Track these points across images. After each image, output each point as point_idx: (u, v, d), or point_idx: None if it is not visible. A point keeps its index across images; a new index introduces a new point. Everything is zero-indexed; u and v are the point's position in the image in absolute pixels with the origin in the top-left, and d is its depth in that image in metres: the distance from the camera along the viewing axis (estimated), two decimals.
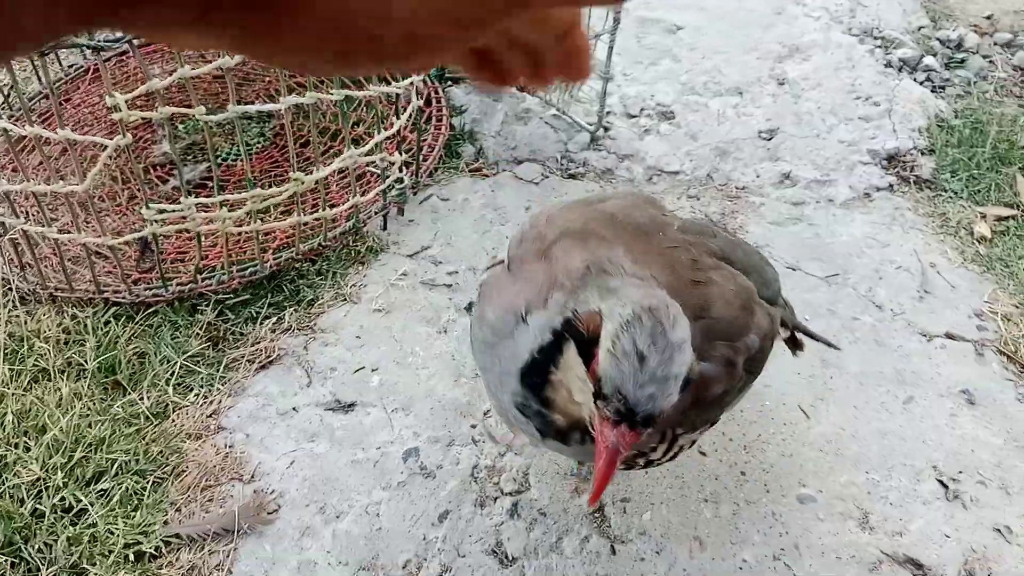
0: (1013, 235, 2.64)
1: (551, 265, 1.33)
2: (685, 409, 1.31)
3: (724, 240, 1.63)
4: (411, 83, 2.24)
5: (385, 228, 2.49)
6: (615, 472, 1.11)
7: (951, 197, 2.76)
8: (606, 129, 2.87)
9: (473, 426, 2.03)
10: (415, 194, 2.59)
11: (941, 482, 1.99)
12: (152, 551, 1.76)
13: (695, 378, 1.16)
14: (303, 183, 2.12)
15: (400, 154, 2.36)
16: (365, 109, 2.76)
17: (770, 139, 2.90)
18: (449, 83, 2.94)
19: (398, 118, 2.28)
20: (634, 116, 2.93)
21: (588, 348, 1.11)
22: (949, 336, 2.32)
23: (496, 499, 1.90)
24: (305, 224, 2.31)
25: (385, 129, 2.30)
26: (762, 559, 1.82)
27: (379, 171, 2.39)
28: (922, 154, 2.89)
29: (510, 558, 1.80)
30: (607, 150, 2.80)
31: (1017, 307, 2.43)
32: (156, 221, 2.10)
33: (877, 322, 2.33)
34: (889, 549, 1.84)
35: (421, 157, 2.60)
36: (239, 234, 2.28)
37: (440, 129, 2.71)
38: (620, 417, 1.06)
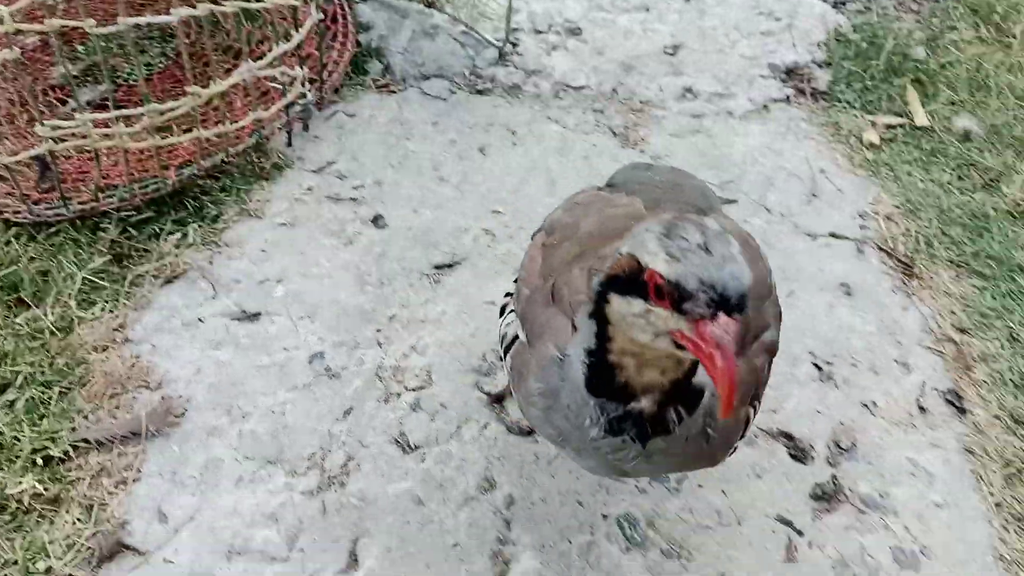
0: (900, 142, 2.81)
1: (560, 301, 1.34)
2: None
3: (668, 180, 1.72)
4: None
5: (290, 144, 2.54)
6: (737, 371, 0.98)
7: (844, 107, 2.91)
8: (514, 45, 2.93)
9: (378, 330, 2.12)
10: (320, 110, 2.63)
11: (816, 366, 2.16)
12: (60, 455, 1.83)
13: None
14: (200, 97, 2.15)
15: (302, 69, 2.40)
16: (271, 28, 2.77)
17: (674, 54, 3.00)
18: (356, 0, 2.95)
19: (298, 32, 2.31)
20: (542, 32, 3.00)
21: (631, 287, 1.06)
22: (833, 235, 2.49)
23: (400, 395, 2.01)
24: (207, 141, 2.34)
25: (285, 43, 2.33)
26: None
27: (281, 86, 2.42)
28: (819, 67, 3.02)
29: (412, 446, 1.92)
30: (515, 66, 2.87)
31: (898, 207, 2.60)
32: (52, 139, 2.11)
33: (766, 224, 2.48)
34: (765, 425, 2.01)
35: (326, 73, 2.63)
36: (140, 152, 2.30)
37: (345, 45, 2.74)
38: (715, 306, 0.98)
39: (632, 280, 1.05)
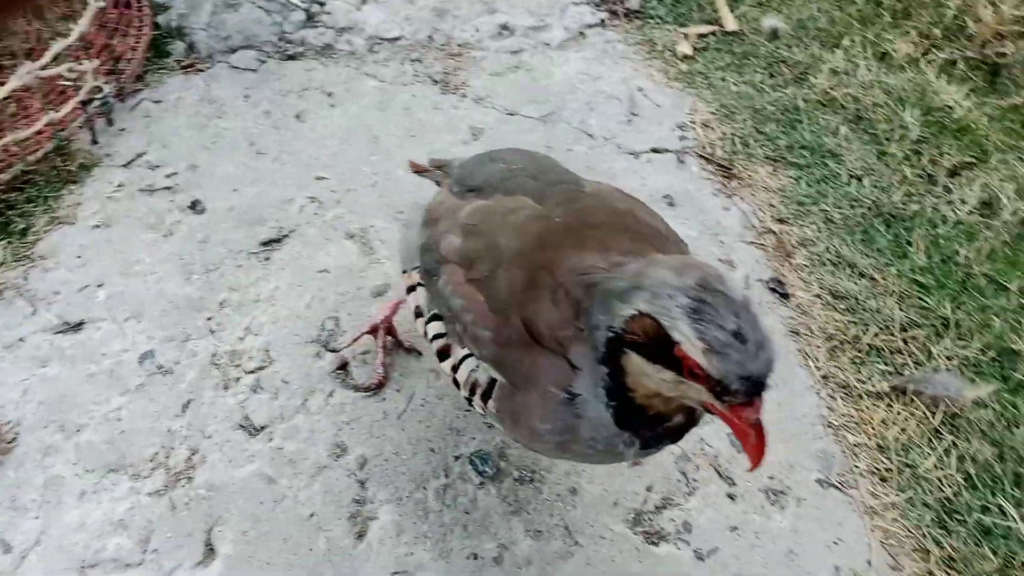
0: (712, 49, 2.91)
1: (543, 339, 1.28)
2: None
3: (527, 166, 1.62)
4: None
5: (95, 141, 2.44)
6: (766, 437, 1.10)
7: (657, 23, 2.98)
8: (321, 4, 2.88)
9: (209, 318, 2.10)
10: (123, 101, 2.53)
11: None
12: None
13: None
14: None
15: (91, 62, 2.30)
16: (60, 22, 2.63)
17: None
18: None
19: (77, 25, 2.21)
20: None
21: (657, 355, 1.10)
22: (655, 150, 2.57)
23: (239, 379, 2.00)
24: (4, 151, 2.23)
25: (64, 38, 2.23)
26: None
27: (72, 83, 2.32)
28: None
29: (257, 427, 1.92)
30: (324, 25, 2.82)
31: (714, 114, 2.70)
32: None
33: (589, 149, 2.54)
34: None
35: (124, 62, 2.53)
36: None
37: (142, 30, 2.63)
38: (750, 394, 1.05)
39: (657, 347, 1.09)
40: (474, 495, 1.84)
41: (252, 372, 2.01)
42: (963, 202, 2.57)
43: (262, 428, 1.92)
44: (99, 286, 2.15)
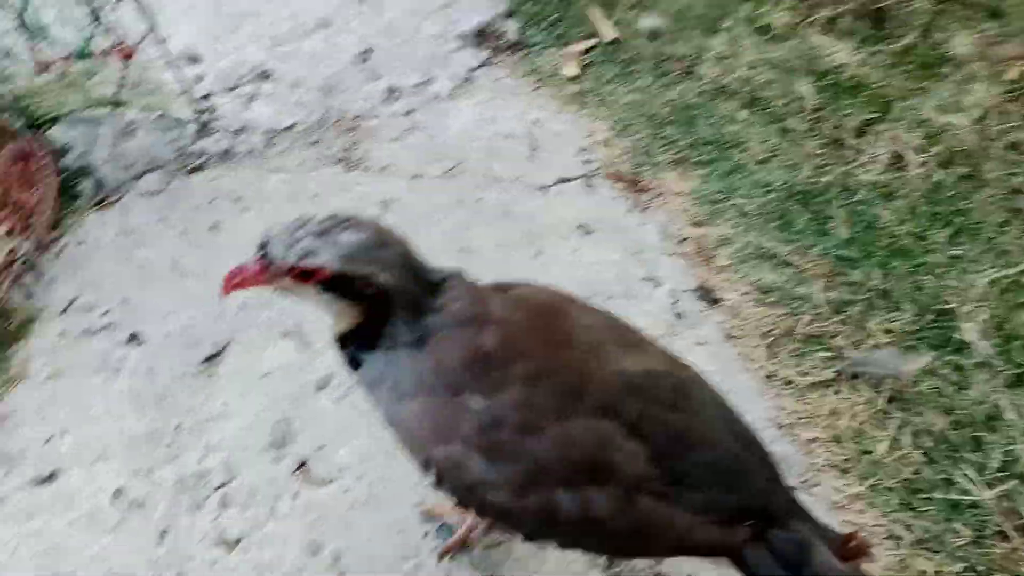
0: (597, 64, 3.12)
1: None
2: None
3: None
4: None
5: (30, 297, 2.65)
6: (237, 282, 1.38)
7: (539, 49, 3.19)
8: (211, 112, 3.08)
9: (168, 445, 2.30)
10: (46, 251, 2.74)
11: None
12: None
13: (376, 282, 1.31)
14: None
15: (0, 226, 2.51)
16: None
17: (367, 60, 3.21)
18: (47, 126, 3.04)
19: None
20: (235, 87, 3.16)
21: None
22: (562, 180, 2.78)
23: (207, 497, 2.20)
24: None
25: None
26: None
27: None
28: (506, 18, 3.29)
29: (234, 541, 2.12)
30: (220, 130, 3.03)
31: (611, 129, 2.91)
32: None
33: (500, 194, 2.75)
34: None
35: (36, 215, 2.74)
36: None
37: (47, 178, 2.84)
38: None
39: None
40: (448, 569, 2.02)
41: (219, 488, 2.21)
42: (874, 161, 2.72)
43: (238, 541, 2.12)
44: (63, 435, 2.35)
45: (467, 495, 1.44)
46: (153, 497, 2.21)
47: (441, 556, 2.03)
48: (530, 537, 1.54)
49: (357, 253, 1.28)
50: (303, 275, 1.30)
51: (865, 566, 1.50)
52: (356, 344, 1.42)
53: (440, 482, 1.45)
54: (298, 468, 2.23)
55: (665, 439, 1.40)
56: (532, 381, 1.36)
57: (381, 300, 1.33)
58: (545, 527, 1.44)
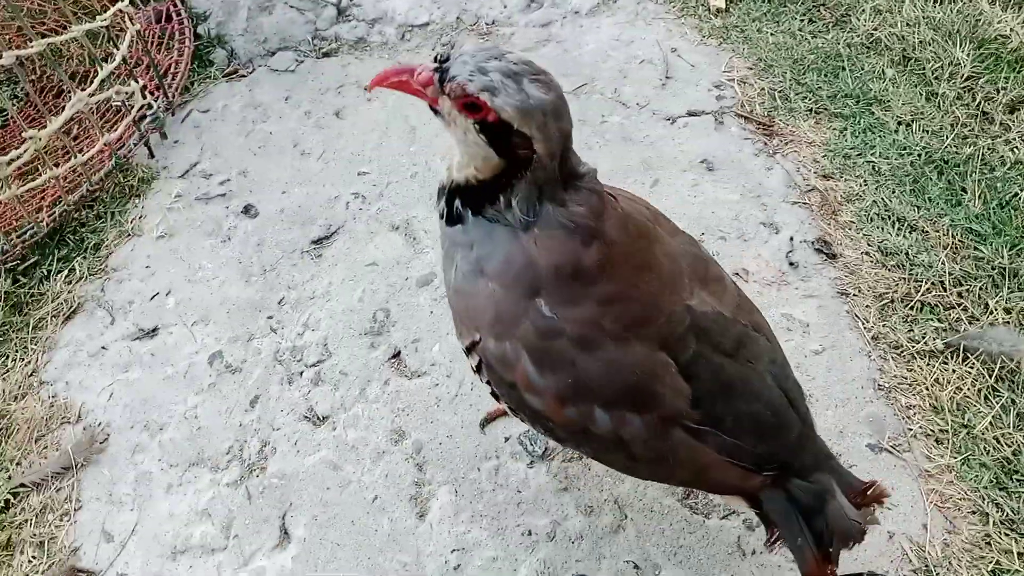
0: (746, 0, 2.95)
1: None
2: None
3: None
4: (119, 9, 2.39)
5: (152, 156, 2.69)
6: (396, 80, 1.24)
7: None
8: None
9: (270, 317, 2.33)
10: (173, 114, 2.77)
11: None
12: (2, 504, 2.07)
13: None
14: (40, 140, 2.30)
15: (136, 81, 2.53)
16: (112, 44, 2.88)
17: None
18: None
19: (118, 49, 2.44)
20: None
21: None
22: (691, 113, 2.66)
23: (302, 373, 2.23)
24: (73, 172, 2.50)
25: (108, 63, 2.46)
26: None
27: (124, 104, 2.56)
28: None
29: (321, 418, 2.14)
30: (356, 19, 2.99)
31: (751, 69, 2.76)
32: None
33: (624, 119, 2.65)
34: None
35: (169, 77, 2.76)
36: (3, 204, 2.47)
37: (184, 43, 2.86)
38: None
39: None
40: (525, 474, 2.01)
41: (313, 366, 2.24)
42: (1022, 140, 2.57)
43: (325, 418, 2.14)
44: (168, 294, 2.40)
45: (507, 391, 1.42)
46: (248, 365, 2.25)
47: (483, 423, 2.09)
48: (561, 440, 1.54)
49: (534, 111, 1.17)
50: (471, 106, 1.18)
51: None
52: (465, 200, 1.33)
53: (480, 370, 1.44)
54: (392, 357, 2.23)
55: (713, 384, 1.38)
56: (605, 303, 1.32)
57: (522, 166, 1.24)
58: (576, 437, 1.45)
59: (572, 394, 1.36)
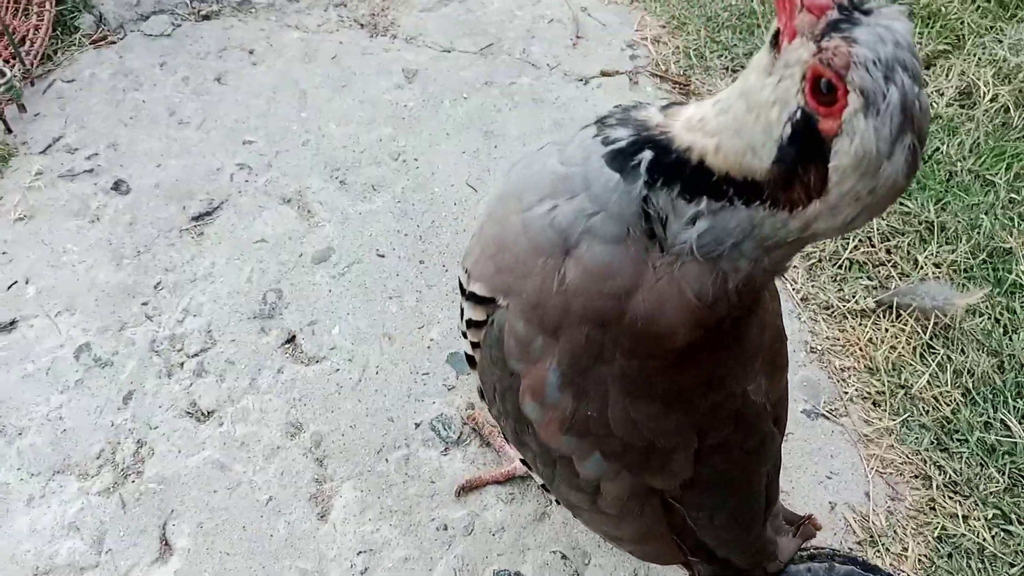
0: None
1: None
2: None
3: None
4: None
5: (9, 131, 2.34)
6: None
7: None
8: None
9: (145, 303, 2.03)
10: (32, 84, 2.43)
11: None
12: None
13: None
14: None
15: None
16: None
17: None
18: None
19: None
20: None
21: None
22: (604, 74, 2.46)
23: (182, 364, 1.94)
24: None
25: None
26: (447, 333, 1.97)
27: None
28: None
29: (205, 413, 1.87)
30: None
31: (664, 27, 2.59)
32: None
33: (534, 80, 2.44)
34: None
35: (28, 43, 2.41)
36: None
37: (43, 7, 2.51)
38: None
39: None
40: (439, 463, 1.79)
41: (195, 355, 1.95)
42: (940, 94, 2.47)
43: (210, 413, 1.87)
44: (27, 281, 2.07)
45: (500, 376, 1.10)
46: (121, 356, 1.95)
47: (458, 492, 1.76)
48: (524, 448, 1.22)
49: (879, 172, 0.72)
50: (825, 89, 0.72)
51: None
52: (655, 162, 0.87)
53: (470, 326, 1.12)
54: (286, 342, 1.97)
55: (718, 476, 1.14)
56: (673, 364, 0.98)
57: (788, 199, 0.79)
58: (551, 463, 1.16)
59: (585, 428, 1.05)
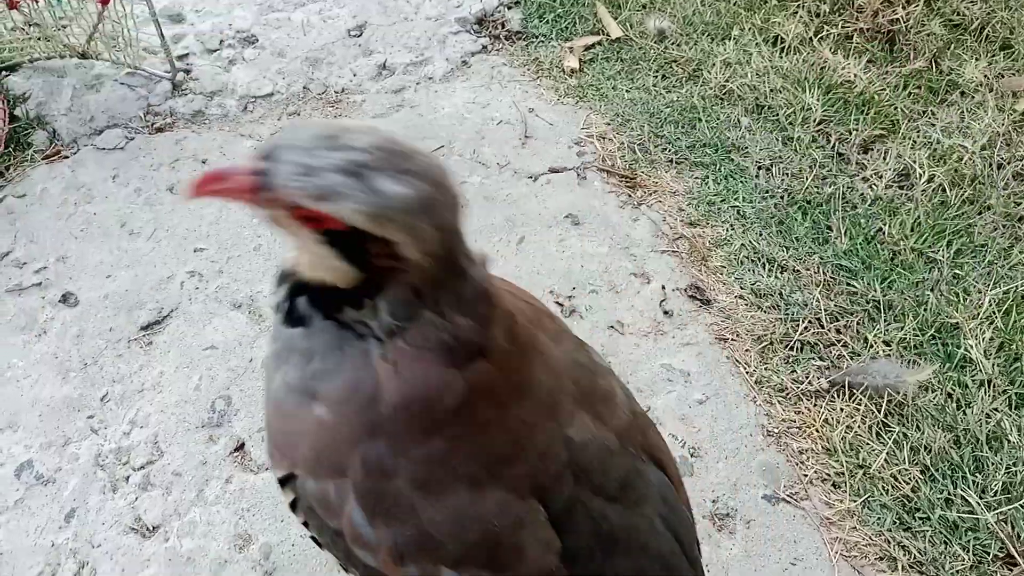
0: (600, 59, 2.89)
1: None
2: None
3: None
4: None
5: None
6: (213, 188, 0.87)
7: (542, 41, 2.96)
8: (187, 72, 2.81)
9: (90, 416, 1.98)
10: None
11: (559, 303, 2.19)
12: None
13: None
14: None
15: None
16: None
17: (360, 35, 2.96)
18: (5, 73, 2.75)
19: None
20: (215, 50, 2.89)
21: None
22: (553, 170, 2.52)
23: (128, 477, 1.88)
24: None
25: None
26: None
27: None
28: (508, 8, 3.06)
29: (151, 528, 1.80)
30: (193, 92, 2.75)
31: (609, 124, 2.67)
32: None
33: (485, 179, 2.49)
34: None
35: None
36: None
37: None
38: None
39: None
40: None
41: (141, 468, 1.90)
42: (879, 177, 2.55)
43: (156, 528, 1.80)
44: None
45: (331, 539, 1.09)
46: (64, 473, 1.89)
47: None
48: None
49: (395, 213, 0.85)
50: (308, 218, 0.87)
51: None
52: (313, 299, 0.99)
53: (295, 508, 1.10)
54: (235, 451, 1.92)
55: (591, 538, 1.10)
56: (460, 438, 1.00)
57: (389, 276, 0.92)
58: None
59: (413, 550, 1.02)
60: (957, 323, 2.16)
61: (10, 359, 2.10)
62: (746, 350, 2.12)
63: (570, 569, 1.07)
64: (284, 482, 1.08)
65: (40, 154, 2.57)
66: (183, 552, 1.76)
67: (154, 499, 1.84)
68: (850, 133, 2.66)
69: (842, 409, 1.99)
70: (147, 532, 1.80)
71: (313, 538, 1.14)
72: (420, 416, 0.97)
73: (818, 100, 2.73)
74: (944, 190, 2.52)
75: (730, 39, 2.97)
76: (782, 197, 2.46)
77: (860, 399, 2.00)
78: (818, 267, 2.29)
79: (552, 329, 1.19)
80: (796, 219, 2.41)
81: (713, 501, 1.85)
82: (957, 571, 1.74)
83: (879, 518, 1.82)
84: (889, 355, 2.09)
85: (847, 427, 1.96)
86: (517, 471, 1.03)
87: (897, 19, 3.02)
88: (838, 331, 2.16)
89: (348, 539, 1.04)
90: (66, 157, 2.57)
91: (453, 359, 0.96)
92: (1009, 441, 1.93)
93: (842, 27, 3.02)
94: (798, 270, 2.28)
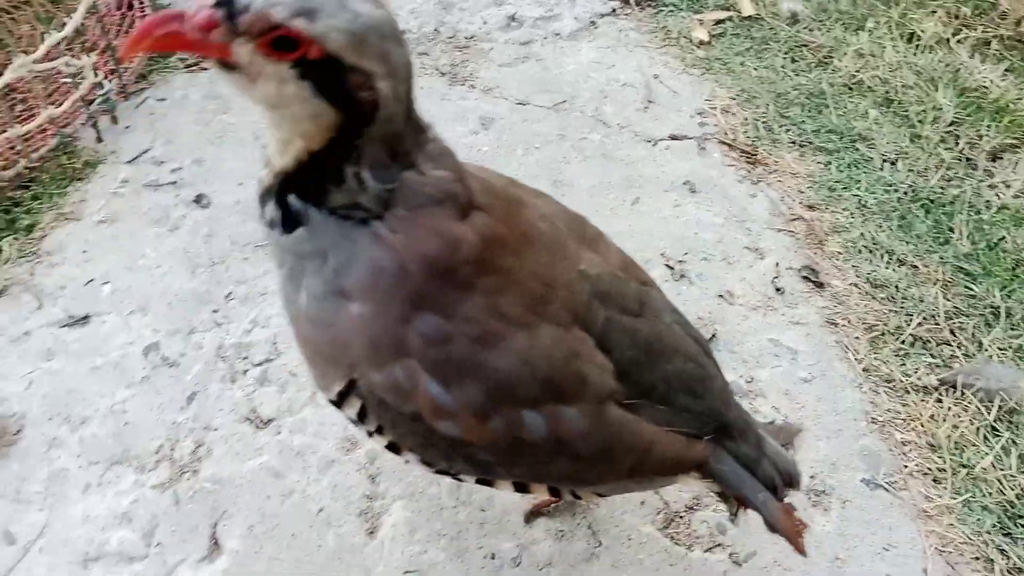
0: (730, 35, 2.90)
1: None
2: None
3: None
4: None
5: (100, 140, 2.47)
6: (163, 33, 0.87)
7: (671, 10, 2.99)
8: None
9: (215, 311, 2.10)
10: (127, 99, 2.56)
11: (669, 266, 2.22)
12: None
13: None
14: None
15: (88, 57, 2.33)
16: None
17: None
18: None
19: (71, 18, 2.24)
20: None
21: None
22: (673, 137, 2.55)
23: (246, 371, 1.99)
24: (2, 151, 2.26)
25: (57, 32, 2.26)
26: None
27: (71, 80, 2.35)
28: None
29: (264, 420, 1.90)
30: None
31: (734, 99, 2.68)
32: None
33: (604, 137, 2.53)
34: None
35: (128, 62, 2.56)
36: None
37: None
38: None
39: None
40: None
41: (259, 364, 2.00)
42: (1007, 186, 2.51)
43: (269, 421, 1.91)
44: (104, 281, 2.15)
45: (409, 428, 1.13)
46: (188, 359, 2.00)
47: (528, 517, 1.78)
48: (490, 471, 1.25)
49: (370, 34, 0.87)
50: (282, 43, 0.86)
51: None
52: (302, 191, 1.01)
53: (364, 418, 1.15)
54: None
55: (633, 350, 1.21)
56: (497, 288, 1.07)
57: (365, 120, 0.93)
58: (509, 457, 1.17)
59: (493, 401, 1.09)
60: None
61: (144, 249, 2.22)
62: (856, 337, 2.13)
63: (625, 387, 1.18)
64: (344, 395, 1.13)
65: (182, 63, 2.69)
66: (294, 446, 1.86)
67: (270, 394, 1.95)
68: (980, 138, 2.63)
69: (950, 408, 1.99)
70: (261, 424, 1.90)
71: (389, 446, 1.20)
72: (448, 273, 1.04)
73: (950, 101, 2.70)
74: None
75: (864, 30, 2.95)
76: (905, 192, 2.45)
77: (971, 400, 1.99)
78: (937, 266, 2.27)
79: (527, 189, 1.30)
80: (918, 216, 2.40)
81: (811, 477, 1.87)
82: None
83: (979, 519, 1.82)
84: (1003, 361, 2.08)
85: (953, 426, 1.95)
86: (555, 306, 1.12)
87: None
88: (952, 331, 2.15)
89: (428, 416, 1.09)
90: (205, 68, 2.69)
91: (451, 212, 1.03)
92: None
93: (982, 32, 2.97)
94: (916, 266, 2.27)
